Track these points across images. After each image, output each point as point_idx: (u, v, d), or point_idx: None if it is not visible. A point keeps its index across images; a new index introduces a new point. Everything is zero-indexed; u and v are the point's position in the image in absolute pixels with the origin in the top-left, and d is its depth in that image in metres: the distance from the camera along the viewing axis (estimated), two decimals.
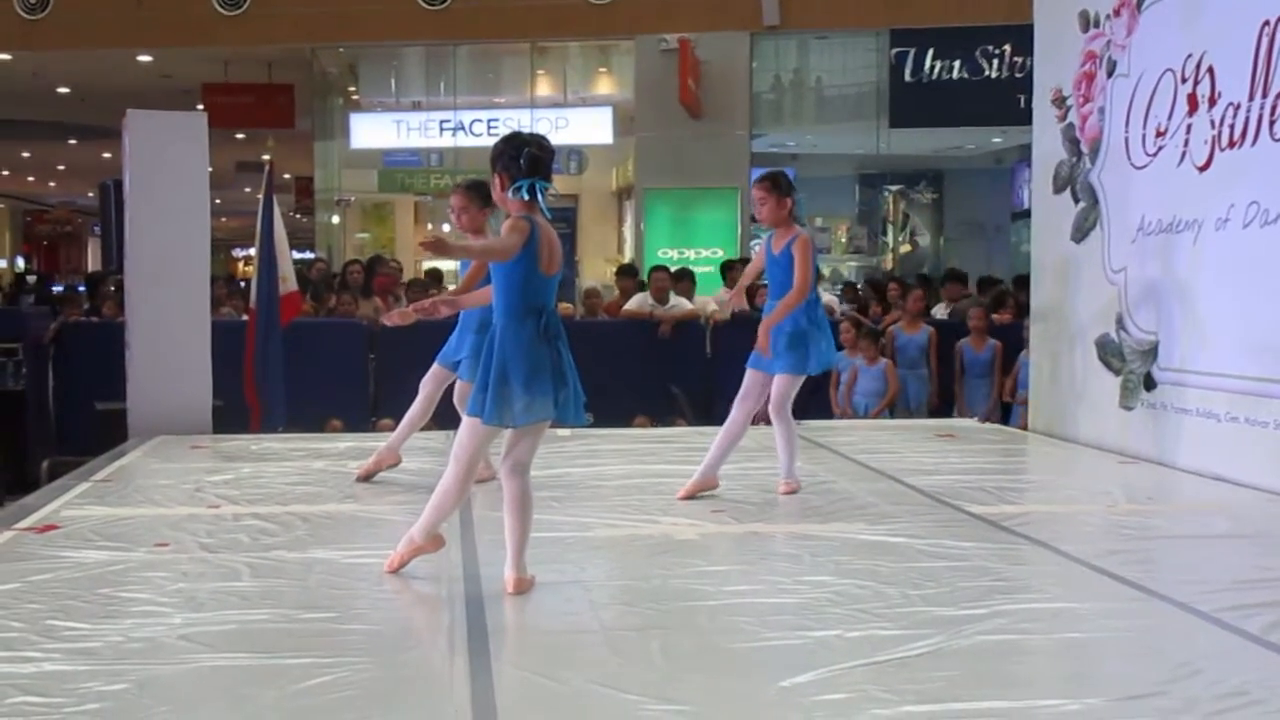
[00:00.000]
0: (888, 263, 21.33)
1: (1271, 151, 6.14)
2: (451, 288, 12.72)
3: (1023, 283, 11.76)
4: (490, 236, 5.83)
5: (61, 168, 31.96)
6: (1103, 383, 7.61)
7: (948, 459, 7.22)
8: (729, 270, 11.95)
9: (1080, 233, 7.93)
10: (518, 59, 19.09)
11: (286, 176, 24.70)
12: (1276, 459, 6.07)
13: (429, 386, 6.26)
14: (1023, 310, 10.46)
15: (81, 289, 15.35)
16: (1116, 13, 7.57)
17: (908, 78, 16.98)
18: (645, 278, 12.08)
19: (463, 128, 18.60)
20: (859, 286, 14.70)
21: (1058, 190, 8.22)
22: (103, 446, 7.75)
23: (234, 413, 8.83)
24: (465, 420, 4.34)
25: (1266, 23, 6.18)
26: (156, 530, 5.23)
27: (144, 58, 18.72)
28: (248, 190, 24.16)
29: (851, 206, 21.63)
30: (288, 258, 9.42)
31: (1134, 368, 7.31)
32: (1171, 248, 6.96)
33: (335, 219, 21.02)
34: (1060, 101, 8.20)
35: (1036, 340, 8.64)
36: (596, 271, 19.56)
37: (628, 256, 18.58)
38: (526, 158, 4.23)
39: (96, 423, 8.94)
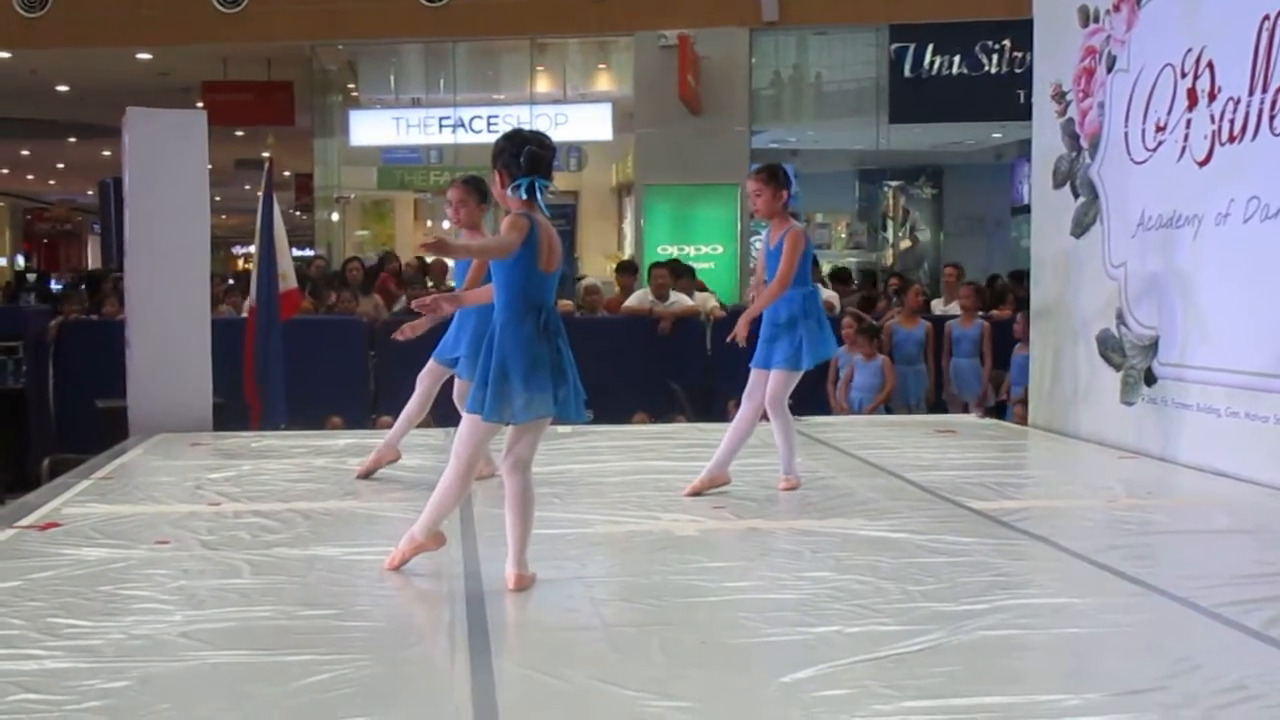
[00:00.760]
0: (888, 258, 21.34)
1: (1271, 146, 6.14)
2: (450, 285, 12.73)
3: (1018, 277, 11.82)
4: (487, 234, 5.83)
5: (61, 166, 31.95)
6: (1103, 378, 7.61)
7: (947, 454, 7.22)
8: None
9: (1080, 228, 7.93)
10: (517, 55, 19.08)
11: (286, 174, 24.71)
12: (1277, 454, 6.06)
13: (425, 382, 6.27)
14: (1020, 304, 10.51)
15: (81, 287, 15.36)
16: (1116, 8, 7.56)
17: (907, 73, 16.97)
18: (646, 274, 12.08)
19: (462, 124, 18.60)
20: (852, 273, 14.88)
21: (1057, 185, 8.21)
22: (103, 444, 7.75)
23: (234, 410, 8.84)
24: (465, 417, 4.35)
25: (1266, 17, 6.18)
26: (157, 528, 5.24)
27: (143, 55, 18.71)
28: (247, 188, 24.16)
29: (851, 202, 21.65)
30: (287, 255, 9.43)
31: (1134, 363, 7.31)
32: (1171, 243, 6.96)
33: (335, 216, 21.03)
34: (1060, 97, 8.19)
35: (1037, 336, 8.63)
36: (596, 268, 19.55)
37: (627, 253, 18.58)
38: (527, 155, 4.24)
39: (97, 420, 8.95)
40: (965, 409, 10.15)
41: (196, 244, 8.52)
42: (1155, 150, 7.15)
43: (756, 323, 6.05)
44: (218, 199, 19.70)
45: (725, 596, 4.18)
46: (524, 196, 4.24)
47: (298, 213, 25.58)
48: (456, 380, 6.06)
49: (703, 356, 10.79)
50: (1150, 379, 7.16)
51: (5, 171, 32.73)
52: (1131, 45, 7.42)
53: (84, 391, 9.71)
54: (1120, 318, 7.44)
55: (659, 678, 3.35)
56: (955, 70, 16.79)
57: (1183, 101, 6.88)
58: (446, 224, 22.49)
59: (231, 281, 14.22)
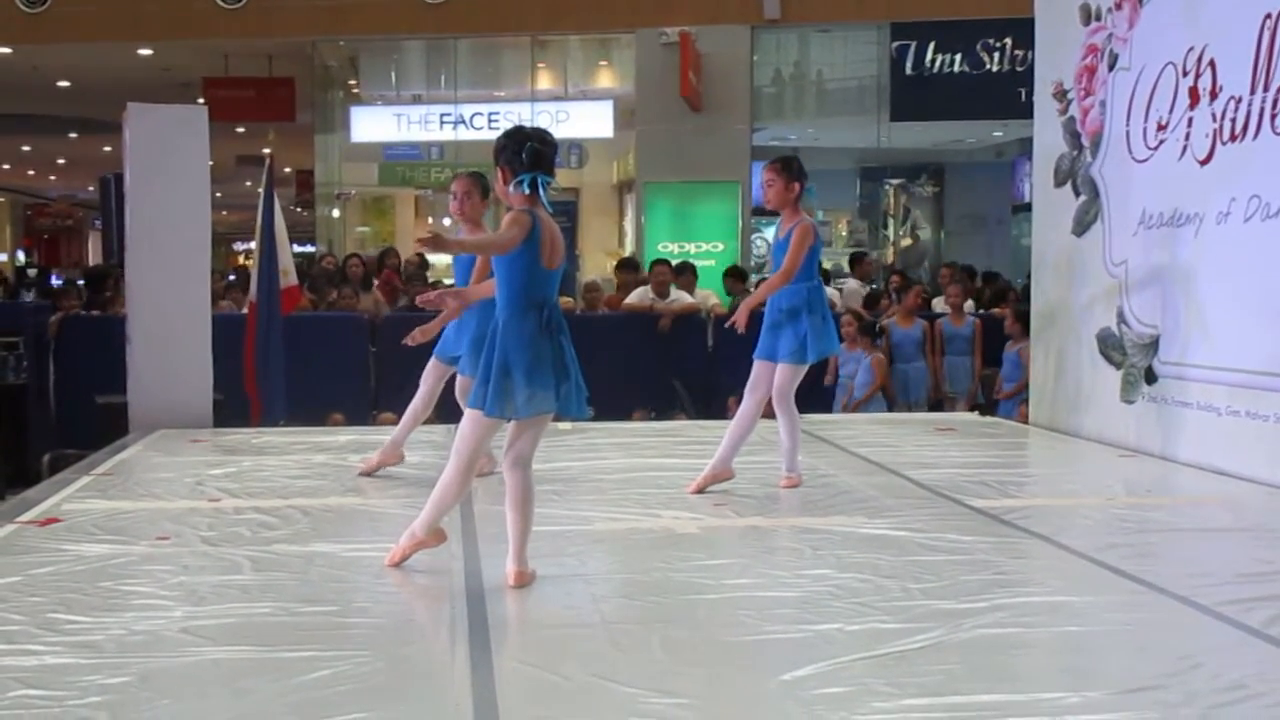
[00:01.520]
0: (888, 256, 21.34)
1: (1273, 145, 6.14)
2: (447, 282, 12.73)
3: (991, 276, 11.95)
4: (488, 230, 5.84)
5: (62, 161, 31.95)
6: (1104, 376, 7.61)
7: (948, 453, 7.22)
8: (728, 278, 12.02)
9: (1081, 226, 7.93)
10: (518, 52, 19.06)
11: (287, 170, 24.70)
12: (1277, 452, 6.07)
13: (429, 381, 6.27)
14: (1019, 300, 10.56)
15: (80, 283, 15.34)
16: (1118, 6, 7.56)
17: (908, 71, 16.96)
18: (648, 270, 12.08)
19: (463, 121, 18.58)
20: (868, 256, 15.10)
21: (1059, 184, 8.21)
22: (104, 440, 7.76)
23: (234, 406, 8.84)
24: (467, 414, 4.35)
25: (1268, 16, 6.17)
26: (157, 524, 5.24)
27: (144, 51, 18.70)
28: (248, 184, 24.19)
29: (852, 200, 21.64)
30: (288, 251, 9.42)
31: (1135, 361, 7.31)
32: (1172, 241, 6.96)
33: (336, 213, 21.01)
34: (1061, 95, 8.19)
35: (1037, 334, 8.63)
36: (597, 265, 19.54)
37: (628, 250, 18.57)
38: (529, 152, 4.25)
39: (97, 416, 8.95)
40: (954, 406, 10.19)
41: (197, 240, 8.52)
42: (1157, 149, 7.14)
43: (757, 325, 6.04)
44: (218, 195, 19.68)
45: (725, 594, 4.18)
46: (526, 192, 4.25)
47: (298, 209, 25.56)
48: (459, 377, 6.06)
49: (704, 353, 10.79)
50: (1151, 377, 7.16)
51: (6, 167, 32.72)
52: (1133, 43, 7.41)
53: (84, 387, 9.70)
54: (1121, 316, 7.44)
55: (659, 675, 3.35)
56: (957, 68, 16.79)
57: (1184, 100, 6.87)
58: (448, 220, 22.47)
59: (233, 277, 14.18)
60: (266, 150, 17.21)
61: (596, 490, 6.04)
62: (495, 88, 19.98)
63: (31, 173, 34.31)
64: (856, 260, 14.11)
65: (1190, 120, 6.81)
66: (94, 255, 33.96)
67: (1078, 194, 7.97)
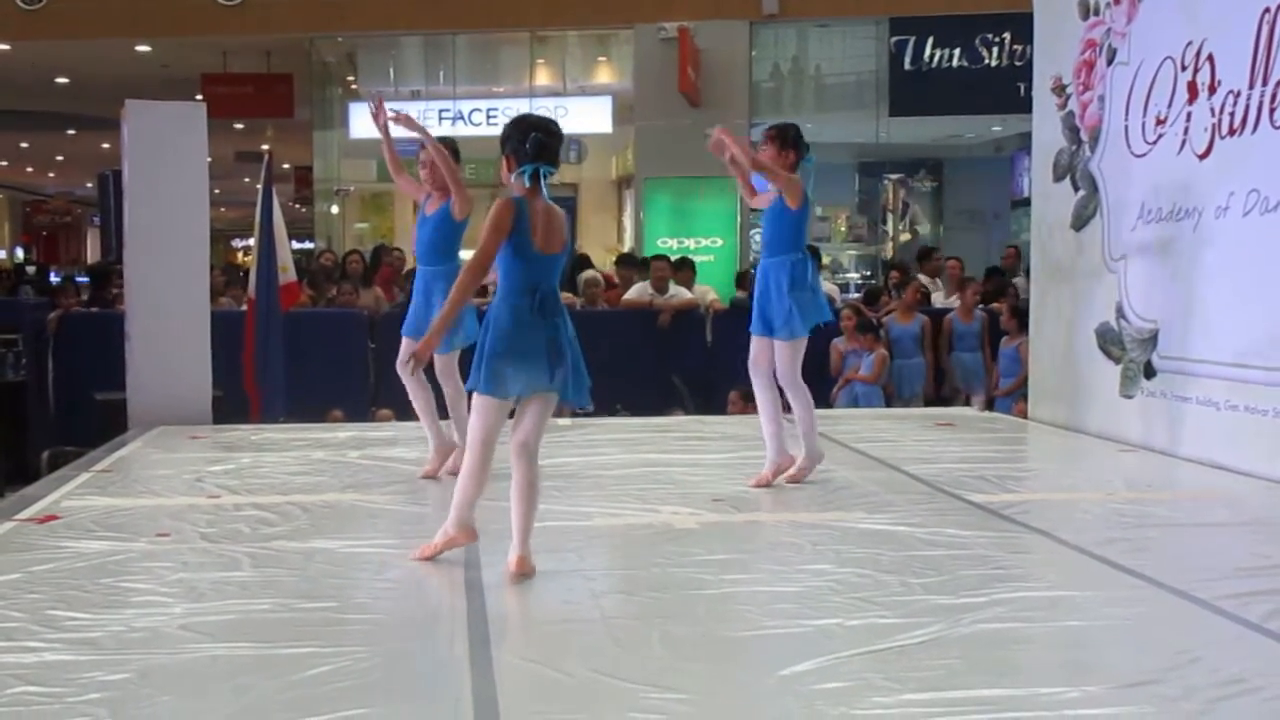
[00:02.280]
0: (887, 251, 21.32)
1: (1271, 139, 6.14)
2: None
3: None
4: (460, 197, 5.98)
5: (60, 158, 31.92)
6: (1103, 371, 7.61)
7: (947, 448, 7.23)
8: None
9: (1080, 221, 7.93)
10: (517, 48, 19.04)
11: (285, 166, 24.67)
12: (1276, 447, 6.07)
13: (450, 382, 6.13)
14: (999, 295, 10.59)
15: (81, 280, 15.32)
16: (1116, 1, 7.56)
17: (907, 66, 16.93)
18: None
19: (462, 117, 18.56)
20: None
21: (1057, 179, 8.21)
22: (103, 437, 7.76)
23: (234, 403, 8.84)
24: (473, 403, 4.39)
25: (1267, 10, 6.17)
26: (157, 520, 5.24)
27: (142, 48, 18.68)
28: (247, 180, 24.13)
29: (851, 195, 21.59)
30: (286, 248, 9.43)
31: (1134, 356, 7.31)
32: (1172, 236, 6.96)
33: (334, 209, 20.99)
34: (1060, 90, 8.19)
35: (1036, 329, 8.63)
36: (596, 261, 19.54)
37: (627, 246, 18.56)
38: (533, 143, 4.30)
39: (96, 413, 8.95)
40: (968, 402, 10.17)
41: (196, 237, 8.53)
42: (1155, 143, 7.14)
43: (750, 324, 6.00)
44: (217, 191, 19.73)
45: (725, 589, 4.19)
46: (527, 185, 4.29)
47: (297, 205, 25.54)
48: (437, 357, 5.90)
49: (703, 348, 10.79)
50: (1150, 372, 7.16)
51: (4, 164, 32.68)
52: (1132, 38, 7.41)
53: (83, 384, 9.71)
54: (1120, 311, 7.44)
55: (659, 670, 3.35)
56: (955, 63, 16.76)
57: (1183, 95, 6.87)
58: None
59: (225, 279, 14.15)
60: (265, 147, 17.19)
61: (596, 486, 6.04)
62: (494, 83, 19.95)
63: (30, 169, 34.29)
64: (924, 255, 13.83)
65: (1189, 115, 6.81)
66: (92, 252, 33.95)
67: (1076, 189, 7.97)
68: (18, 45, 18.08)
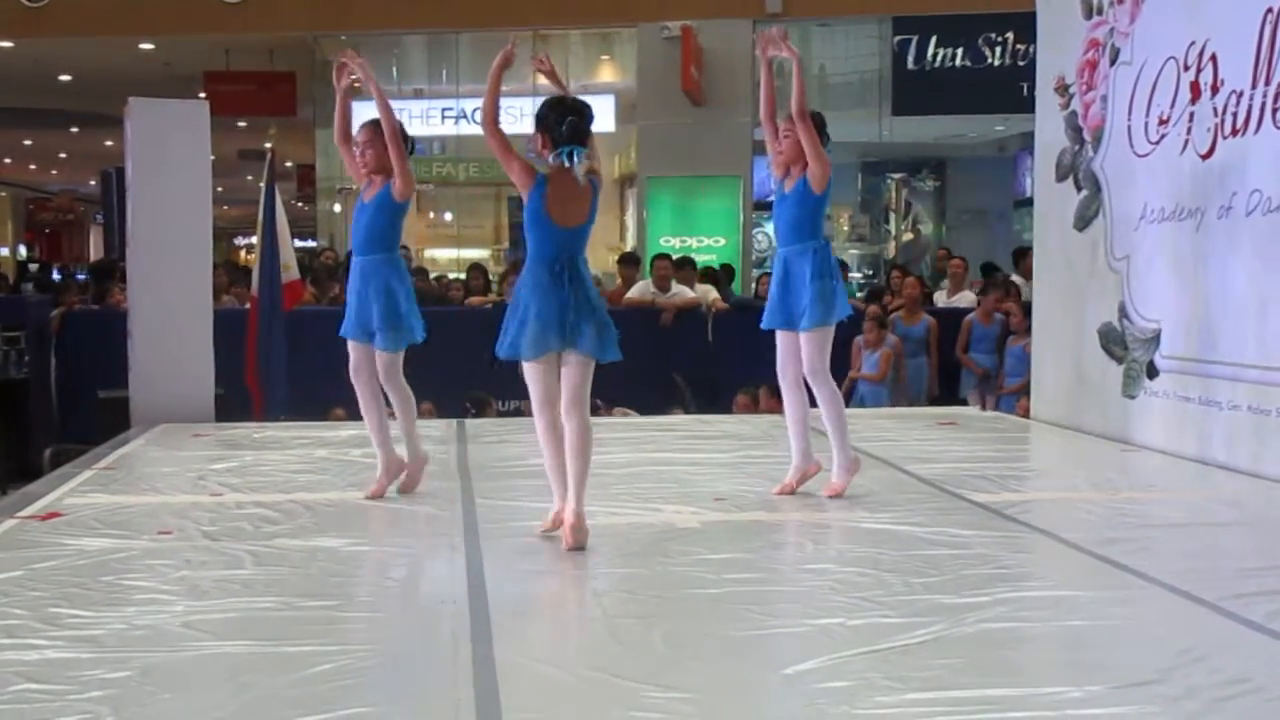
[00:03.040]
0: (890, 250, 21.33)
1: (1274, 139, 6.13)
2: (452, 276, 12.66)
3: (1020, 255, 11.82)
4: (396, 182, 6.08)
5: (63, 155, 31.91)
6: (1105, 371, 7.61)
7: (949, 447, 7.22)
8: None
9: (1083, 221, 7.92)
10: (519, 47, 19.03)
11: (288, 164, 24.66)
12: (1279, 447, 6.06)
13: (363, 375, 5.86)
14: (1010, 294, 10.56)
15: (81, 277, 15.33)
16: (1119, 0, 7.55)
17: (910, 65, 16.93)
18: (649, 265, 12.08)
19: (465, 116, 18.56)
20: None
21: (1060, 178, 8.20)
22: (105, 434, 7.76)
23: (236, 401, 8.85)
24: (525, 373, 4.72)
25: (1270, 10, 6.17)
26: (159, 518, 5.24)
27: (146, 46, 18.69)
28: (249, 178, 24.15)
29: (854, 194, 21.59)
30: (289, 246, 9.43)
31: (1137, 356, 7.30)
32: (1174, 236, 6.95)
33: (337, 207, 20.99)
34: (1063, 89, 8.18)
35: (1039, 329, 8.63)
36: (599, 260, 19.55)
37: (629, 245, 18.56)
38: (569, 126, 4.76)
39: (99, 411, 8.95)
40: (983, 403, 10.14)
41: (199, 235, 8.53)
42: (1158, 143, 7.14)
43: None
44: (220, 189, 19.72)
45: (727, 588, 4.18)
46: (565, 164, 4.70)
47: (300, 203, 25.54)
48: (379, 354, 5.70)
49: (705, 348, 10.78)
50: (1152, 372, 7.15)
51: (8, 161, 32.70)
52: (1135, 38, 7.40)
53: (86, 382, 9.71)
54: (1122, 311, 7.44)
55: (661, 669, 3.35)
56: (958, 63, 16.75)
57: (1186, 94, 6.87)
58: (449, 215, 22.51)
59: (228, 277, 14.13)
60: (268, 145, 17.15)
61: (598, 485, 5.99)
62: None
63: (33, 167, 34.29)
64: (1020, 255, 13.42)
65: (1192, 115, 6.80)
66: (95, 250, 33.93)
67: (1079, 189, 7.96)
68: (21, 42, 18.08)
